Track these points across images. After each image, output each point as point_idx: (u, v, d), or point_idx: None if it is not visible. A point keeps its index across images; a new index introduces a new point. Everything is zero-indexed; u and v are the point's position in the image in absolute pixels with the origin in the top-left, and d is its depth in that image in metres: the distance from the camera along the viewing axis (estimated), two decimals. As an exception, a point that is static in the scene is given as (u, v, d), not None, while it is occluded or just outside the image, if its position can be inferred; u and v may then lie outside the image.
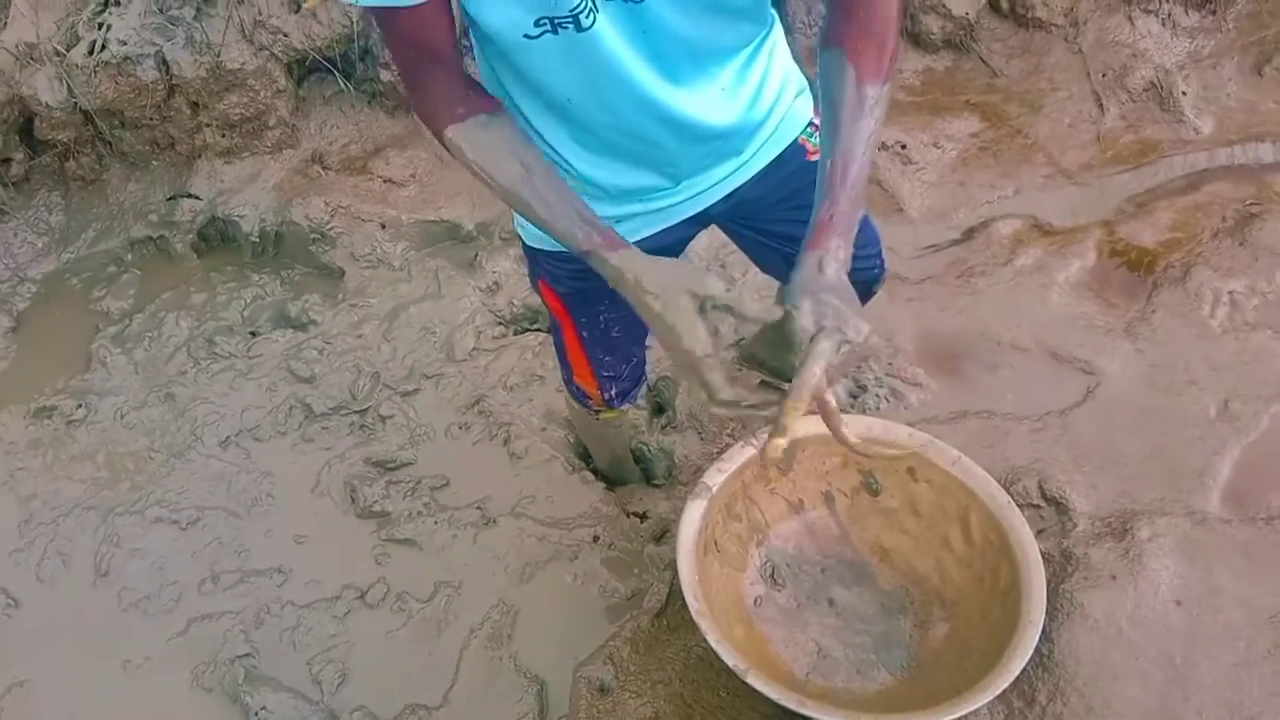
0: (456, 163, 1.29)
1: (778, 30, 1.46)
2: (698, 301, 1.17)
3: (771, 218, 1.60)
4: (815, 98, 1.60)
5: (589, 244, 1.23)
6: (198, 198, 2.83)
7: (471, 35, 1.26)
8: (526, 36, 1.17)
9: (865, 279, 1.81)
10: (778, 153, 1.52)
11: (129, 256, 2.85)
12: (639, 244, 1.51)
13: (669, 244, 1.57)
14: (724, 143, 1.42)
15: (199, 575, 2.19)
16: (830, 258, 1.19)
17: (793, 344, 1.16)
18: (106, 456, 2.42)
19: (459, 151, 1.26)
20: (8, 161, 2.81)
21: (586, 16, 1.15)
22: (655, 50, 1.22)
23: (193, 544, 2.25)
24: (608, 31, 1.17)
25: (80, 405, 2.51)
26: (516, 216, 1.59)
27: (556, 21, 1.15)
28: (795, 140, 1.54)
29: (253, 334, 2.63)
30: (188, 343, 2.64)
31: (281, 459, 2.39)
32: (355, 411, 2.45)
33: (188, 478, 2.37)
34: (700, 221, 1.59)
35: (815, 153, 1.57)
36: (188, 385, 2.55)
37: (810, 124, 1.56)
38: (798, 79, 1.54)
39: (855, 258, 1.72)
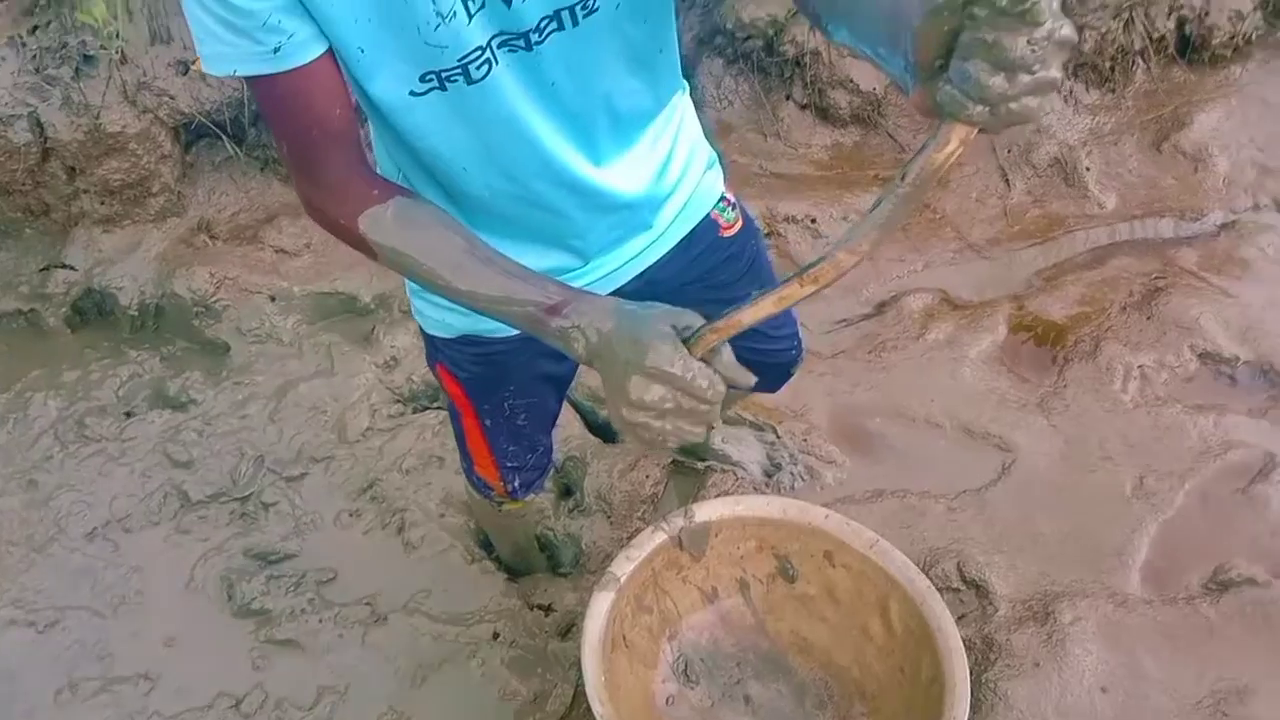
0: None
1: (686, 100, 1.39)
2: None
3: (686, 298, 1.51)
4: (725, 171, 1.54)
5: (551, 295, 1.05)
6: (73, 268, 2.64)
7: (361, 106, 1.14)
8: (412, 94, 1.06)
9: (783, 361, 1.77)
10: (689, 228, 1.45)
11: (-5, 331, 2.65)
12: None
13: None
14: (632, 214, 1.33)
15: (55, 683, 1.98)
16: None
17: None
18: (-47, 552, 2.20)
19: (382, 238, 1.08)
20: None
21: (477, 68, 1.04)
22: (555, 106, 1.13)
23: (50, 648, 2.04)
24: (503, 83, 1.07)
25: (-72, 494, 2.29)
26: (414, 301, 1.46)
27: (443, 75, 1.05)
28: (707, 216, 1.47)
29: (127, 415, 2.45)
30: (55, 424, 2.44)
31: (153, 552, 2.20)
32: (236, 499, 2.27)
33: (47, 574, 2.16)
34: None
35: (728, 228, 1.50)
36: (53, 471, 2.34)
37: (722, 199, 1.49)
38: (707, 152, 1.47)
39: (772, 339, 1.68)
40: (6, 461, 2.37)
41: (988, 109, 0.80)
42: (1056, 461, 2.29)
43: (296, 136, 1.07)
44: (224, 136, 2.65)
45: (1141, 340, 2.50)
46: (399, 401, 2.48)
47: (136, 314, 2.61)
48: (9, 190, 2.60)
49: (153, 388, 2.52)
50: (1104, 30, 2.87)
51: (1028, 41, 0.76)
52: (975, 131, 0.84)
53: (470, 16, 1.00)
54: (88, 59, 2.53)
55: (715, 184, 1.48)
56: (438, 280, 1.08)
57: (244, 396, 2.47)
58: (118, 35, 2.48)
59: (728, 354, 0.98)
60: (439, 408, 2.45)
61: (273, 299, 2.61)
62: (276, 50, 0.98)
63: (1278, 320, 2.52)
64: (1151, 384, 2.42)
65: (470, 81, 1.05)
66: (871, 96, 3.00)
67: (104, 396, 2.51)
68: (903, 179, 0.90)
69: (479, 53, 1.03)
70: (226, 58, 0.99)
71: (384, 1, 0.98)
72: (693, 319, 1.00)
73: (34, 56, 2.55)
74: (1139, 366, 2.44)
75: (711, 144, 1.48)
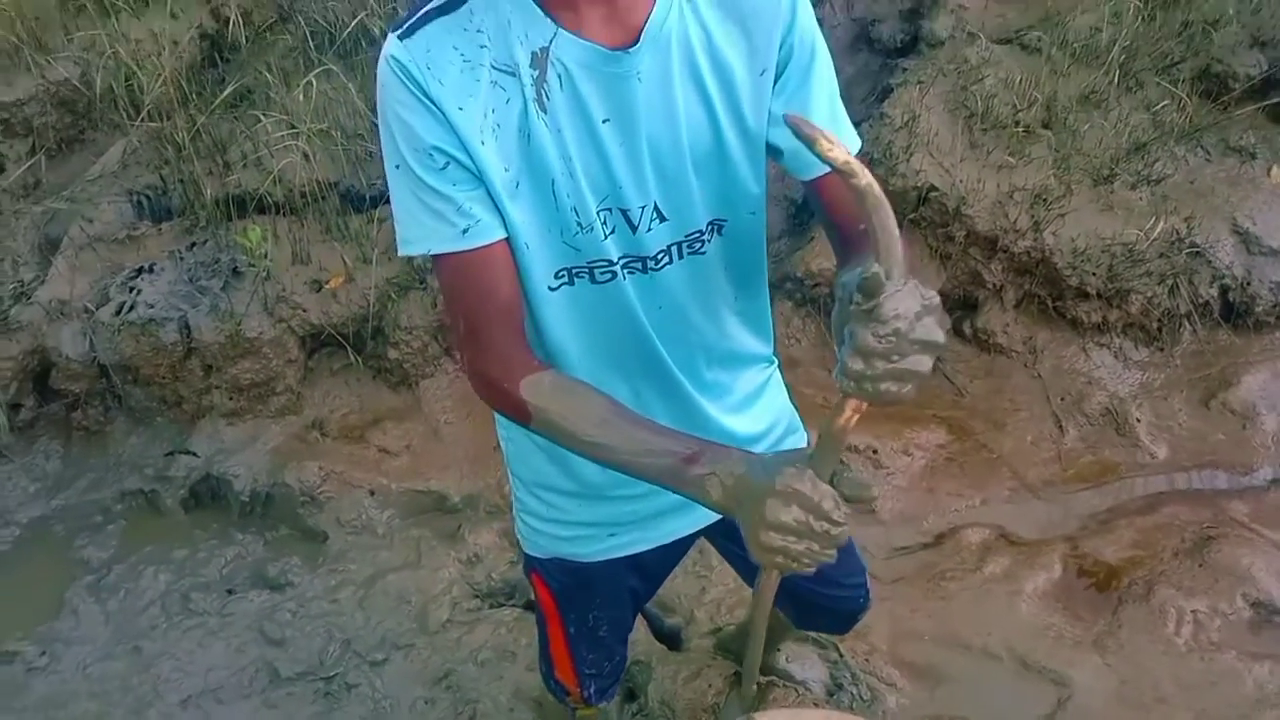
0: (495, 420, 1.27)
1: (776, 369, 1.58)
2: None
3: None
4: (807, 437, 1.69)
5: (688, 447, 1.15)
6: (195, 455, 2.91)
7: None
8: (550, 289, 1.27)
9: (851, 609, 1.84)
10: None
11: (117, 507, 2.88)
12: (629, 558, 1.57)
13: (661, 562, 1.62)
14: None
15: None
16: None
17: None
18: (61, 709, 2.35)
19: (540, 401, 1.21)
20: (17, 407, 2.91)
21: (602, 273, 1.27)
22: (666, 322, 1.33)
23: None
24: (624, 290, 1.28)
25: (44, 653, 2.47)
26: (517, 523, 1.63)
27: (573, 272, 1.26)
28: None
29: (229, 592, 2.63)
30: (163, 597, 2.63)
31: (240, 724, 2.32)
32: (322, 678, 2.41)
33: (141, 737, 2.29)
34: (689, 542, 1.63)
35: None
36: (156, 640, 2.51)
37: None
38: (792, 418, 1.63)
39: (843, 586, 1.77)
40: (116, 627, 2.55)
41: (855, 385, 1.01)
42: (1112, 700, 2.34)
43: (472, 309, 1.23)
44: (346, 346, 2.96)
45: (1195, 586, 2.57)
46: (477, 596, 2.63)
47: (247, 500, 2.84)
48: (150, 382, 2.91)
49: (254, 569, 2.71)
50: (1149, 294, 3.10)
51: (874, 335, 0.97)
52: (863, 404, 1.04)
53: (605, 235, 1.24)
54: (236, 273, 2.89)
55: (799, 442, 1.64)
56: (585, 436, 1.19)
57: (337, 582, 2.65)
58: (266, 255, 2.84)
59: (849, 479, 1.13)
60: (514, 605, 2.60)
61: (372, 493, 2.83)
62: (465, 232, 1.19)
63: (1329, 574, 2.60)
64: (1205, 629, 2.48)
65: (594, 281, 1.28)
66: (932, 342, 3.23)
67: (209, 574, 2.70)
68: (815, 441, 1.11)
69: (606, 264, 1.26)
70: (422, 240, 1.21)
71: (542, 204, 1.22)
72: (814, 451, 1.12)
73: (189, 269, 2.92)
74: (1192, 611, 2.51)
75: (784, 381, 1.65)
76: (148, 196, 3.10)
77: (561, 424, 1.20)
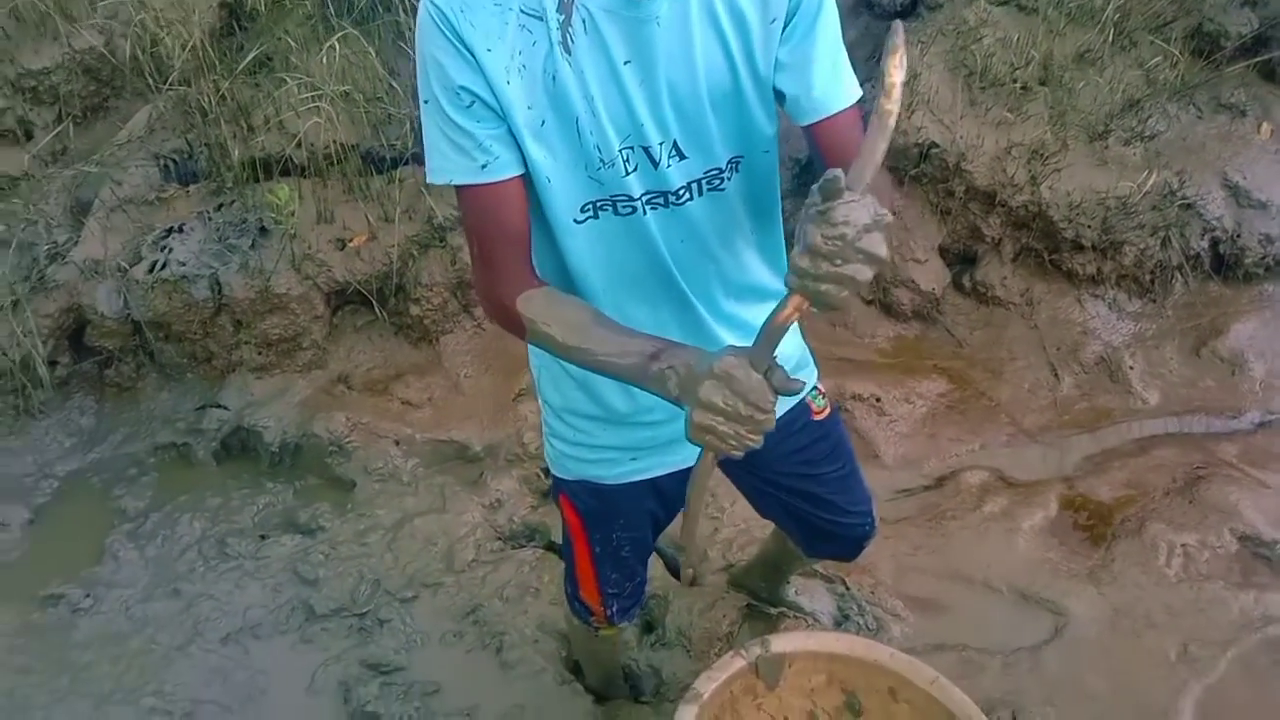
0: (502, 337, 1.39)
1: None
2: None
3: (779, 469, 1.75)
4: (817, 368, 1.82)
5: (651, 346, 1.27)
6: (226, 408, 3.02)
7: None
8: (575, 221, 1.38)
9: (857, 535, 1.94)
10: (789, 407, 1.68)
11: (151, 460, 3.00)
12: (649, 482, 1.69)
13: (677, 487, 1.67)
14: None
15: (186, 768, 2.21)
16: None
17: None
18: (107, 646, 2.47)
19: (530, 313, 1.34)
20: (53, 365, 3.02)
21: (625, 205, 1.37)
22: (688, 252, 1.44)
23: (183, 737, 2.28)
24: (647, 222, 1.39)
25: (88, 595, 2.59)
26: (546, 447, 1.75)
27: (598, 205, 1.37)
28: (802, 400, 1.72)
29: (262, 537, 2.75)
30: (199, 542, 2.75)
31: (279, 657, 2.45)
32: (355, 614, 2.53)
33: (185, 671, 2.42)
34: None
35: (819, 413, 1.76)
36: (195, 582, 2.64)
37: (815, 388, 1.77)
38: (803, 352, 1.75)
39: (849, 513, 1.88)
40: (156, 571, 2.67)
41: (798, 281, 1.10)
42: (1106, 627, 2.46)
43: (484, 234, 1.37)
44: (371, 301, 3.07)
45: (1185, 522, 2.70)
46: (500, 539, 2.75)
47: (277, 451, 2.96)
48: (181, 338, 3.03)
49: (285, 515, 2.84)
50: (1142, 247, 3.21)
51: (823, 235, 1.06)
52: (806, 304, 1.13)
53: (627, 172, 1.35)
54: (263, 232, 3.00)
55: (810, 376, 1.76)
56: (567, 342, 1.32)
57: (365, 527, 2.77)
58: (293, 213, 2.95)
59: (779, 373, 1.20)
60: (535, 545, 2.72)
61: (397, 443, 2.95)
62: (484, 167, 1.31)
63: (1314, 510, 2.73)
64: (1194, 561, 2.61)
65: (617, 214, 1.38)
66: (931, 295, 3.34)
67: (242, 521, 2.83)
68: (759, 337, 1.18)
69: (628, 199, 1.37)
70: (446, 171, 1.33)
71: (566, 141, 1.32)
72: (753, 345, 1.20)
73: (218, 229, 3.03)
74: (1182, 545, 2.64)
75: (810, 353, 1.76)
76: (174, 160, 3.20)
77: (548, 331, 1.34)
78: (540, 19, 1.26)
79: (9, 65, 3.29)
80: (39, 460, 2.99)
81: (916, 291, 3.35)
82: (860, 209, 1.07)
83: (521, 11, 1.26)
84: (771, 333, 1.17)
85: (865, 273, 1.08)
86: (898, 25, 1.08)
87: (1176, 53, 3.41)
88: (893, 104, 1.08)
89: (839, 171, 1.07)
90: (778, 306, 1.16)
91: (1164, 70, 3.40)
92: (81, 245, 3.02)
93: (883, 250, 1.08)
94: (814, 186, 1.09)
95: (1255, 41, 3.46)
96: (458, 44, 1.26)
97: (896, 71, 1.07)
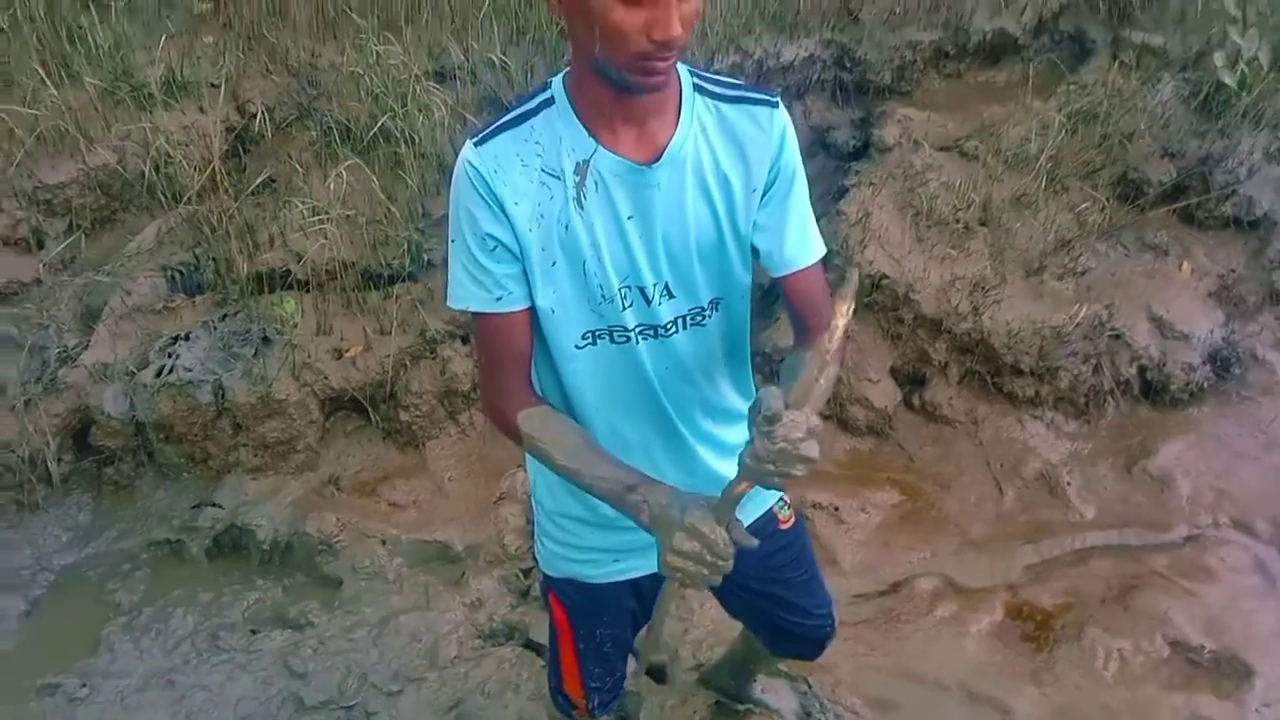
0: (502, 446, 1.59)
1: None
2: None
3: (748, 574, 1.82)
4: None
5: (631, 479, 1.50)
6: (220, 507, 3.17)
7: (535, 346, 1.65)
8: (576, 347, 1.58)
9: (819, 636, 2.12)
10: (755, 517, 1.85)
11: (145, 555, 3.12)
12: (631, 583, 1.88)
13: (653, 589, 1.81)
14: (713, 486, 1.56)
15: None
16: None
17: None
18: (102, 735, 2.57)
19: (528, 428, 1.57)
20: (57, 461, 3.16)
21: (621, 336, 1.60)
22: (673, 378, 1.66)
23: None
24: (640, 351, 1.61)
25: (84, 685, 2.69)
26: (538, 546, 1.93)
27: (597, 334, 1.59)
28: (769, 510, 1.90)
29: (253, 631, 2.88)
30: (192, 635, 2.87)
31: (270, 748, 2.56)
32: (343, 707, 2.66)
33: (178, 760, 2.52)
34: None
35: (785, 522, 1.95)
36: (188, 674, 2.75)
37: (782, 498, 1.95)
38: None
39: (812, 615, 2.07)
40: (150, 663, 2.78)
41: (748, 472, 1.37)
42: (1048, 725, 2.66)
43: (494, 355, 1.60)
44: (365, 407, 3.27)
45: (1120, 628, 2.92)
46: (481, 636, 2.89)
47: (268, 549, 3.10)
48: (182, 439, 3.19)
49: (275, 611, 2.97)
50: (1076, 372, 3.51)
51: (766, 448, 1.32)
52: (753, 483, 1.39)
53: (624, 307, 1.58)
54: (266, 341, 3.20)
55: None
56: (558, 459, 1.56)
57: (352, 623, 2.91)
58: (296, 325, 3.16)
59: (739, 528, 1.45)
60: (515, 643, 2.87)
61: (383, 543, 3.11)
62: (498, 299, 1.54)
63: (1236, 617, 2.95)
64: (1129, 665, 2.82)
65: (613, 343, 1.61)
66: (884, 413, 3.59)
67: (234, 615, 2.95)
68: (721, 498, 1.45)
69: (623, 330, 1.60)
70: (465, 299, 1.56)
71: (574, 279, 1.55)
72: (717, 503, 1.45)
73: (222, 338, 3.23)
74: (1118, 649, 2.85)
75: None
76: (180, 272, 3.41)
77: (543, 447, 1.57)
78: (559, 178, 1.52)
79: (27, 179, 3.51)
80: (37, 554, 3.10)
81: (870, 409, 3.60)
82: (796, 427, 1.32)
83: (543, 171, 1.51)
84: (730, 498, 1.43)
85: (801, 470, 1.35)
86: (854, 275, 1.40)
87: (1104, 198, 3.78)
88: (833, 344, 1.38)
89: (780, 400, 1.33)
90: (734, 480, 1.43)
91: (1093, 213, 3.75)
92: (92, 349, 3.20)
93: (815, 454, 1.33)
94: (761, 396, 1.34)
95: (1175, 189, 3.85)
96: (490, 200, 1.50)
97: (842, 318, 1.36)
